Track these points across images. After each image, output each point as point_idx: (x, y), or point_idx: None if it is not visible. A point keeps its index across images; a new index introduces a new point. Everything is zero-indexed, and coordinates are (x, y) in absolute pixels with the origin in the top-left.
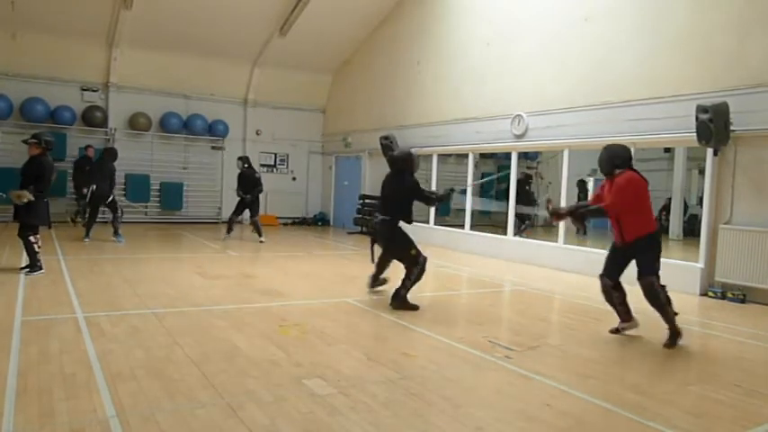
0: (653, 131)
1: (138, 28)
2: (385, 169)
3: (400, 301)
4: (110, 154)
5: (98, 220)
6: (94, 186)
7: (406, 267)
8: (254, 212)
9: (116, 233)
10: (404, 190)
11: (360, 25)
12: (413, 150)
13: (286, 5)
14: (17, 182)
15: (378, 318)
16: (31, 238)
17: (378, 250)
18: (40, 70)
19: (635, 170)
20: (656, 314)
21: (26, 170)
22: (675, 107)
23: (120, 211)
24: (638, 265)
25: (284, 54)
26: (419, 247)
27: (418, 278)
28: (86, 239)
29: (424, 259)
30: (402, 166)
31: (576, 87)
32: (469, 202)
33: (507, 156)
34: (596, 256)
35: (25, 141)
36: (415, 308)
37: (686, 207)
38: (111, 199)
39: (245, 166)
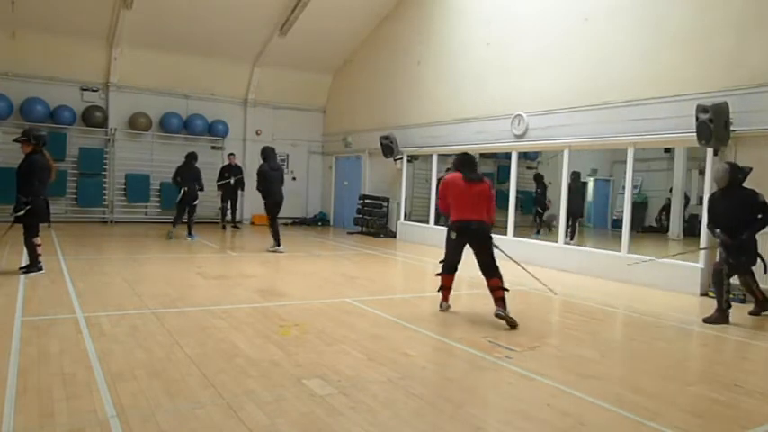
0: (653, 131)
1: (139, 28)
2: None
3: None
4: (193, 157)
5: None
6: (185, 188)
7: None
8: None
9: (190, 233)
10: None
11: (360, 25)
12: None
13: (286, 5)
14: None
15: (378, 318)
16: (35, 240)
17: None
18: (39, 70)
19: None
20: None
21: (19, 170)
22: (675, 107)
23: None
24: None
25: (284, 54)
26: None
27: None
28: (190, 237)
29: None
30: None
31: (576, 87)
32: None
33: (507, 156)
34: (596, 256)
35: (16, 140)
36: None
37: (687, 203)
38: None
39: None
